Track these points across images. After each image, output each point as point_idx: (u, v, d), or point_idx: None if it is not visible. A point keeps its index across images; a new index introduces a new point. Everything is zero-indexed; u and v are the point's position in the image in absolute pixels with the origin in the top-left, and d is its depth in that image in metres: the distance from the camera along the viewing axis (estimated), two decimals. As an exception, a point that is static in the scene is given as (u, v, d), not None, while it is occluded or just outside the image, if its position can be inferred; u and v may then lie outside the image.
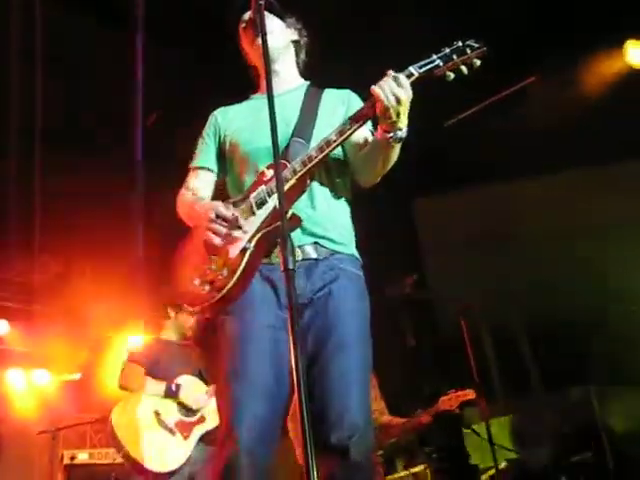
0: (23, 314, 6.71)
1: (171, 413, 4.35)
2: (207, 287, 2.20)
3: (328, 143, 2.22)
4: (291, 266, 1.75)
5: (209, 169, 2.52)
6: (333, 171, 2.40)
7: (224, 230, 2.19)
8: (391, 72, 2.16)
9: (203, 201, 2.40)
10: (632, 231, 6.69)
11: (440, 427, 5.35)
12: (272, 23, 2.47)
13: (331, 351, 2.10)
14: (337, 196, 2.40)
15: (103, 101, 5.82)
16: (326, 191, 2.37)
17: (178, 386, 4.38)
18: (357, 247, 2.42)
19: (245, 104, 2.61)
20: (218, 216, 2.20)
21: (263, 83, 2.56)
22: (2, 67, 5.01)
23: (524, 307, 7.94)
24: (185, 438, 4.28)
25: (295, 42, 2.61)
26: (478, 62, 2.20)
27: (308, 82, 2.61)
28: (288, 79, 2.56)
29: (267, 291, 2.24)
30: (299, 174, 2.21)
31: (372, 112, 2.19)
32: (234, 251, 2.21)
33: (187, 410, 4.37)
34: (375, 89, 2.12)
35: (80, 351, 6.79)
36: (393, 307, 5.91)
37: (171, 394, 4.37)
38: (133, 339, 6.53)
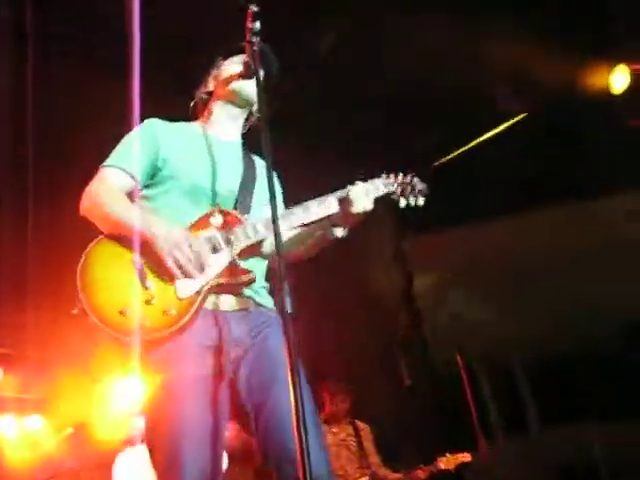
0: (17, 360, 6.64)
1: None
2: (148, 322, 2.05)
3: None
4: (289, 310, 1.76)
5: (131, 176, 2.32)
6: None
7: (189, 266, 2.11)
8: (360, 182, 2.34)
9: (154, 218, 2.21)
10: (623, 260, 6.73)
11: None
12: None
13: (279, 390, 2.06)
14: (262, 261, 2.44)
15: (101, 142, 5.85)
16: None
17: None
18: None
19: (189, 131, 2.52)
20: (191, 248, 2.12)
21: (213, 117, 2.55)
22: None
23: (520, 343, 7.92)
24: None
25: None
26: (422, 201, 2.49)
27: (242, 140, 2.63)
28: (235, 130, 2.58)
29: (207, 338, 2.18)
30: (260, 237, 2.25)
31: (335, 210, 2.33)
32: (187, 291, 2.13)
33: None
34: (352, 196, 2.29)
35: (75, 396, 6.70)
36: (388, 348, 5.90)
37: None
38: (129, 383, 6.48)
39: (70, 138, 5.50)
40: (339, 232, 2.34)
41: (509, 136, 6.19)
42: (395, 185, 2.44)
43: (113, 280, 2.11)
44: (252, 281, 2.23)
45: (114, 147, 2.40)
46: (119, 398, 6.50)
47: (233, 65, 2.50)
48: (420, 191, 2.47)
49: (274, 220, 1.90)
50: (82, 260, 2.13)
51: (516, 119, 6.15)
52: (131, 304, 2.06)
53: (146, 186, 2.36)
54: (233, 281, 2.20)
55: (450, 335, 5.38)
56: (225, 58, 2.56)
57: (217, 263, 2.19)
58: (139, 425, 4.53)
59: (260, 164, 2.53)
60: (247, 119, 2.63)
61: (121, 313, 2.04)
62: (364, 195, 2.29)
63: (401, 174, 2.48)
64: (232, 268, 2.20)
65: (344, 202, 2.31)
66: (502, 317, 7.53)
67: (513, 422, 7.41)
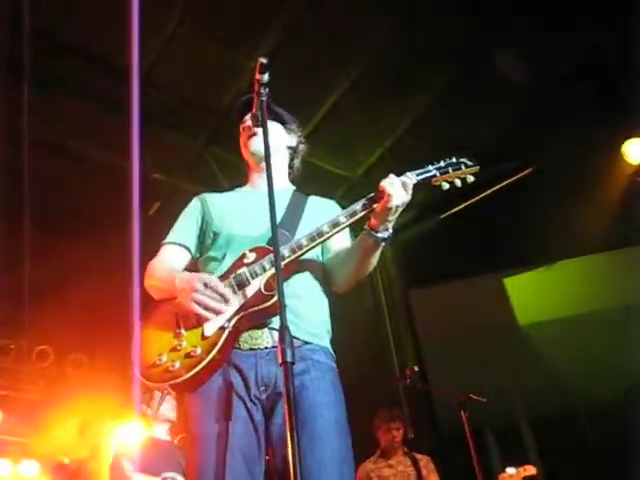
0: (17, 403, 6.60)
1: None
2: (177, 364, 2.12)
3: (320, 234, 2.27)
4: (290, 359, 1.72)
5: (186, 247, 2.49)
6: (311, 269, 2.42)
7: (210, 302, 2.15)
8: (393, 175, 2.26)
9: (181, 273, 2.33)
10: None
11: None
12: (269, 125, 2.58)
13: (306, 444, 1.99)
14: (314, 291, 2.40)
15: (99, 185, 5.93)
16: (304, 283, 2.37)
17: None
18: (332, 343, 2.39)
19: (232, 194, 2.65)
20: (206, 287, 2.15)
21: (252, 178, 2.66)
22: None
23: (526, 398, 7.82)
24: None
25: (291, 148, 2.70)
26: (472, 178, 2.39)
27: (294, 188, 2.68)
28: (275, 180, 2.49)
29: (237, 381, 2.17)
30: (287, 260, 2.23)
31: (369, 209, 2.27)
32: (211, 329, 2.16)
33: None
34: (387, 186, 2.21)
35: (72, 441, 6.62)
36: (392, 399, 5.82)
37: None
38: (124, 429, 6.42)
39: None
40: (381, 234, 2.25)
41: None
42: (433, 171, 2.36)
43: (154, 337, 2.23)
44: (275, 306, 2.13)
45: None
46: (116, 442, 6.43)
47: (242, 127, 2.63)
48: (469, 166, 2.39)
49: (274, 243, 1.93)
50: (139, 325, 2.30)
51: (521, 174, 6.21)
52: (162, 354, 2.15)
53: (201, 253, 2.51)
54: (257, 308, 2.18)
55: (454, 387, 5.30)
56: (240, 120, 2.66)
57: (241, 296, 2.21)
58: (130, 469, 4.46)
59: (314, 203, 2.59)
60: (291, 166, 2.72)
61: (153, 365, 2.15)
62: (400, 185, 2.22)
63: (442, 160, 2.40)
64: (258, 295, 2.19)
65: (371, 199, 2.25)
66: (508, 371, 7.46)
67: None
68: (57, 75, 5.25)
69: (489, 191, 6.16)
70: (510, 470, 4.75)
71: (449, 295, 7.31)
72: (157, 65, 5.34)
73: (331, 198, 2.70)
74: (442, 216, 6.47)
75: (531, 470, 4.73)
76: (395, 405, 5.77)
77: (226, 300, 2.17)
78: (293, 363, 1.74)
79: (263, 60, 2.18)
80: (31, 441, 6.63)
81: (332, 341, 2.41)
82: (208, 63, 5.43)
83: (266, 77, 2.21)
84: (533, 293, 7.25)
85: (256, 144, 2.51)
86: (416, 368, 5.42)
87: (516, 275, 7.20)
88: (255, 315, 2.20)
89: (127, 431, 6.35)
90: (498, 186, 6.08)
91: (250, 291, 2.21)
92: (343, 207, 2.60)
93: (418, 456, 5.20)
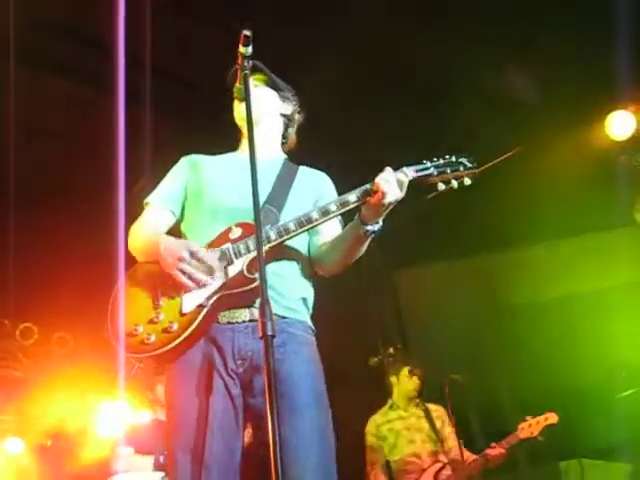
0: (1, 380, 6.58)
1: None
2: (153, 337, 2.10)
3: (309, 220, 2.23)
4: (270, 332, 1.71)
5: (171, 210, 2.46)
6: (296, 252, 2.39)
7: (195, 272, 2.12)
8: (390, 169, 2.21)
9: (168, 239, 2.28)
10: (619, 299, 6.75)
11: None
12: (260, 91, 2.55)
13: (284, 416, 1.93)
14: (298, 272, 2.38)
15: (84, 163, 5.88)
16: (289, 265, 2.35)
17: (166, 458, 4.28)
18: (312, 319, 2.38)
19: (222, 157, 2.60)
20: (193, 256, 2.13)
21: (243, 143, 2.61)
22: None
23: (510, 379, 7.88)
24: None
25: (285, 116, 2.64)
26: (469, 181, 2.30)
27: (285, 156, 2.63)
28: (266, 148, 2.53)
29: (215, 355, 2.16)
30: (273, 243, 2.20)
31: (362, 202, 2.22)
32: (189, 305, 2.14)
33: None
34: (382, 184, 2.16)
35: (57, 418, 6.63)
36: (375, 378, 5.84)
37: (159, 467, 4.27)
38: (111, 407, 6.45)
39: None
40: (371, 227, 2.22)
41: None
42: (432, 169, 2.28)
43: (132, 303, 2.19)
44: (256, 290, 2.08)
45: None
46: (104, 421, 6.46)
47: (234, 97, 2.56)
48: (467, 168, 2.30)
49: (257, 222, 1.88)
50: (115, 287, 2.23)
51: (510, 154, 6.19)
52: (139, 325, 2.12)
53: (184, 215, 2.46)
54: (238, 290, 2.15)
55: (437, 367, 5.32)
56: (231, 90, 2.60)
57: (225, 274, 2.18)
58: (123, 453, 4.47)
59: (305, 175, 2.54)
60: (285, 136, 2.66)
61: (128, 335, 2.12)
62: (396, 183, 2.17)
63: (441, 157, 2.31)
64: (240, 278, 2.16)
65: (365, 192, 2.21)
66: (493, 352, 7.52)
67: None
68: (42, 53, 5.18)
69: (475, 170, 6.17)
70: (530, 419, 4.48)
71: (434, 275, 7.33)
72: (143, 43, 5.27)
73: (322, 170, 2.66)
74: (428, 196, 6.47)
75: (553, 418, 4.47)
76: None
77: (212, 272, 2.14)
78: (274, 336, 1.72)
79: (247, 33, 2.12)
80: (16, 419, 6.62)
81: (312, 317, 2.40)
82: (191, 42, 5.36)
83: (249, 50, 2.15)
84: (517, 275, 7.29)
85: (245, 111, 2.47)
86: (399, 346, 5.42)
87: (500, 256, 7.22)
88: (235, 296, 2.17)
89: (112, 410, 6.39)
90: (484, 166, 6.08)
91: (232, 271, 2.18)
92: (332, 180, 2.60)
93: (431, 406, 4.99)
